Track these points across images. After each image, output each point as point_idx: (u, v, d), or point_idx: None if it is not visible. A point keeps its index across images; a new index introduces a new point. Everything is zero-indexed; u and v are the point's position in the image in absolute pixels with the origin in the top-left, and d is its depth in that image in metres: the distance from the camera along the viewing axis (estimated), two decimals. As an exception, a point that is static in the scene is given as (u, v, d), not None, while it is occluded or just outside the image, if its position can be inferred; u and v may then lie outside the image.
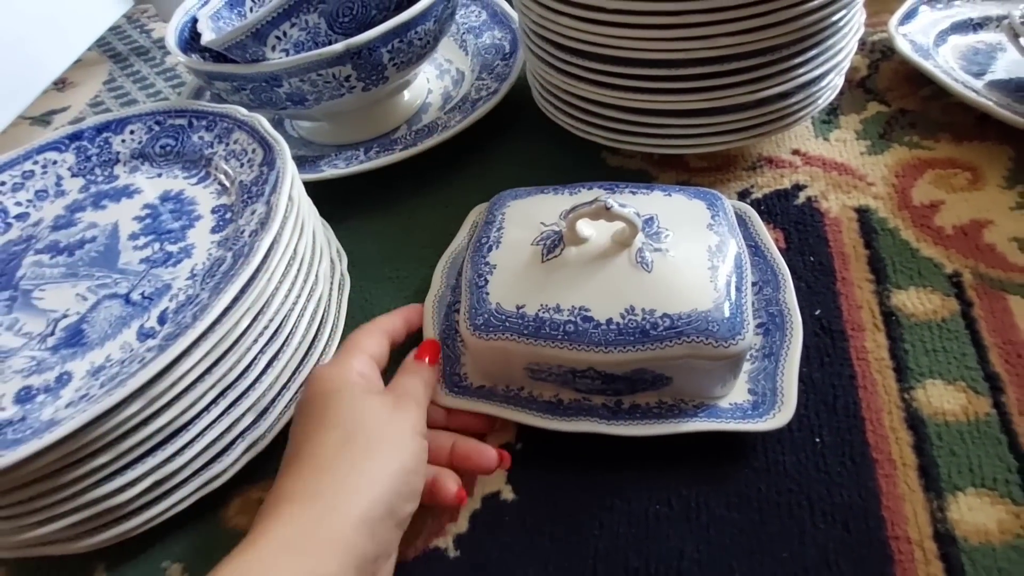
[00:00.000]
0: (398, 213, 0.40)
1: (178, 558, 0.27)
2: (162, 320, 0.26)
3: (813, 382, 0.28)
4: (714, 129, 0.34)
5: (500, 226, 0.29)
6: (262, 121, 0.33)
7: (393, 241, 0.39)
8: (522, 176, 0.40)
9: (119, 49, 0.65)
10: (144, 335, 0.26)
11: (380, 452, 0.22)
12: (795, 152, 0.38)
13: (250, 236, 0.28)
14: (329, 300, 0.32)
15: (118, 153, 0.35)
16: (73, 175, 0.35)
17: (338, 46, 0.35)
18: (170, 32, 0.41)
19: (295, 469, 0.22)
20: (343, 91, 0.38)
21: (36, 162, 0.35)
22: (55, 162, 0.35)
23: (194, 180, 0.33)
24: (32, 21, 0.50)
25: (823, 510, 0.25)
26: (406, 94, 0.46)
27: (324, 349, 0.30)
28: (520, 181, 0.41)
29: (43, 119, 0.56)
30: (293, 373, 0.28)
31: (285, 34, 0.35)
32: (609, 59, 0.33)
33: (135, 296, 0.28)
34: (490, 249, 0.28)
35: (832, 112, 0.40)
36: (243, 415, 0.26)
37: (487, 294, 0.26)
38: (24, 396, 0.25)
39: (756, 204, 0.35)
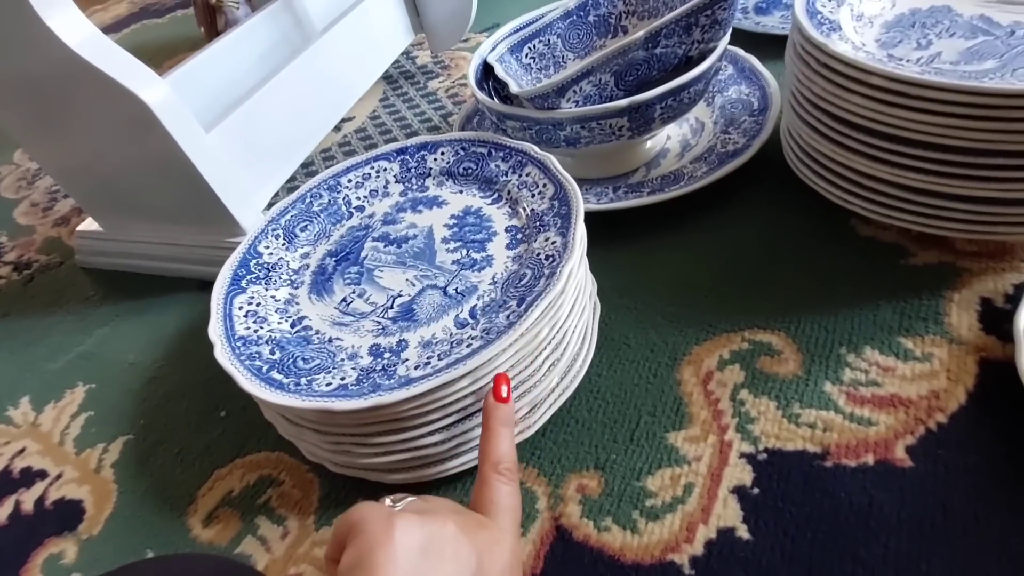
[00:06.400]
0: (637, 250, 0.45)
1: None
2: (472, 314, 0.33)
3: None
4: (995, 219, 0.33)
5: None
6: (553, 161, 0.39)
7: (631, 275, 0.43)
8: (765, 233, 0.42)
9: (391, 72, 0.78)
10: (459, 324, 0.33)
11: None
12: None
13: (547, 259, 0.34)
14: (591, 320, 0.37)
15: (430, 169, 0.44)
16: (396, 181, 0.44)
17: (622, 102, 0.41)
18: (471, 75, 0.50)
19: None
20: (613, 138, 0.43)
21: (372, 167, 0.45)
22: (385, 169, 0.45)
23: (489, 200, 0.41)
24: (345, 57, 0.63)
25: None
26: (648, 140, 0.51)
27: (583, 360, 0.35)
28: (762, 238, 0.43)
29: (335, 127, 0.69)
30: (560, 380, 0.34)
31: (581, 88, 0.42)
32: (896, 139, 0.34)
33: (451, 290, 0.35)
34: None
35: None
36: (521, 406, 0.32)
37: None
38: (375, 351, 0.33)
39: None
